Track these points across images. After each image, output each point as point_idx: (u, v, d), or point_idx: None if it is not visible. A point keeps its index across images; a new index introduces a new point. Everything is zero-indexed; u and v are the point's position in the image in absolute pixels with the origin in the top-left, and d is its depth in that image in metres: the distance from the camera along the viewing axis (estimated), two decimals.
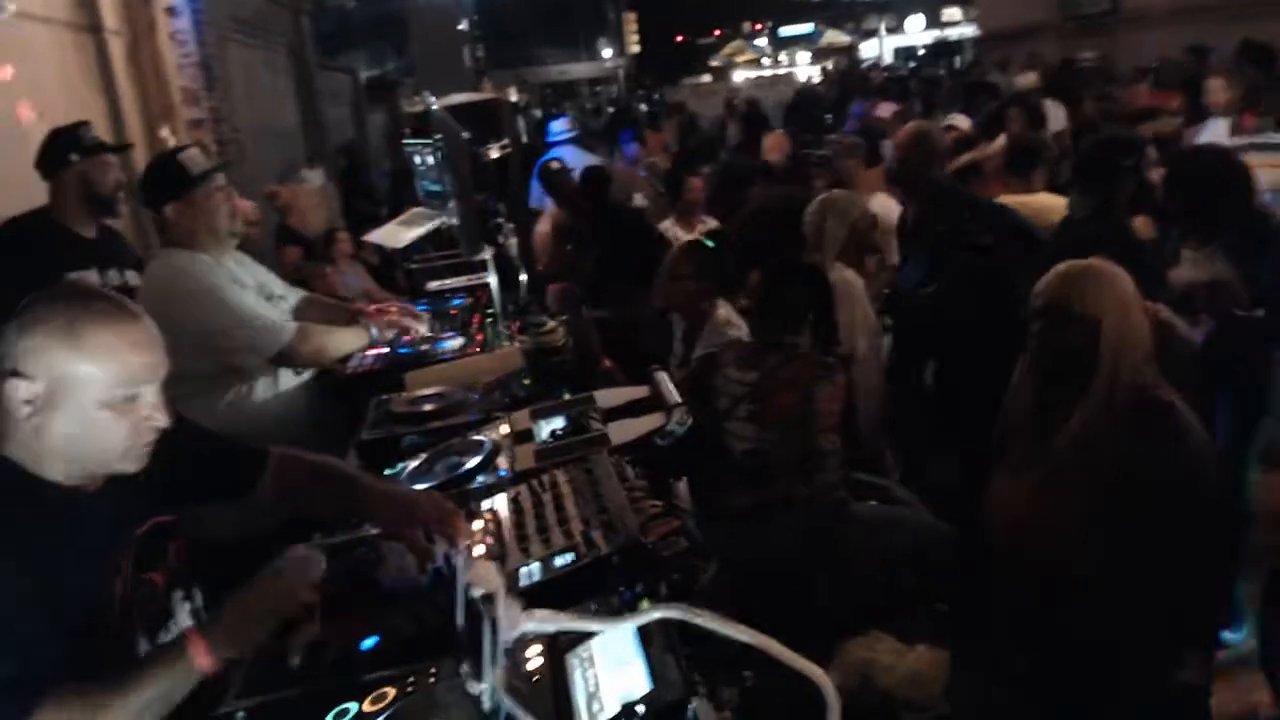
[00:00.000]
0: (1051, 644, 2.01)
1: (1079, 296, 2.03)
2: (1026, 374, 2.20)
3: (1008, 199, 3.72)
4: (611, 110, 15.44)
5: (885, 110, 6.97)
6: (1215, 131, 4.26)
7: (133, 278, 3.00)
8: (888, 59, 24.92)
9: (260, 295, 2.64)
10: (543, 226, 5.61)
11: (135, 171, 4.23)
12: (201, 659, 1.27)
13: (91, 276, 2.98)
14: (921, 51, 24.05)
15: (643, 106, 16.18)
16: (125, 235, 3.43)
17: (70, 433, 1.35)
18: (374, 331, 2.73)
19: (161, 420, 1.41)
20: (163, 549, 1.54)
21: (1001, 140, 4.62)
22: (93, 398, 1.34)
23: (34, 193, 3.03)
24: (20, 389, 1.32)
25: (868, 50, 29.13)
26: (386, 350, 2.80)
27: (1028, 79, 7.18)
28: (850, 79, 14.70)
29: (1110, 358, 1.98)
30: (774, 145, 6.17)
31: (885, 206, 4.07)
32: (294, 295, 2.85)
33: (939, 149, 3.88)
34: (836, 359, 2.69)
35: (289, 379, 2.60)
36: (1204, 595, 1.95)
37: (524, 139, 8.26)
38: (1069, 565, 1.98)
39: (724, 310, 3.19)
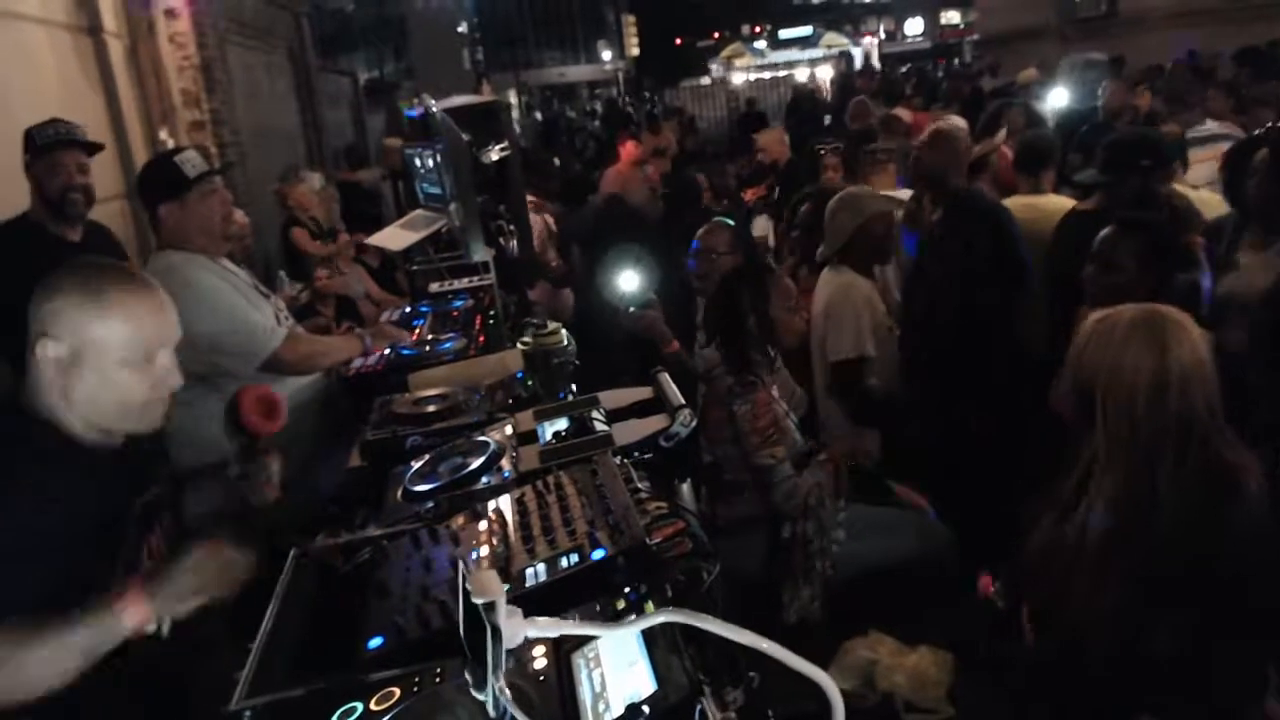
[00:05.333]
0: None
1: (1075, 356, 1.73)
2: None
3: (1017, 200, 3.71)
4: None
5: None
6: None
7: None
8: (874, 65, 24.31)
9: (252, 291, 2.64)
10: (536, 225, 5.61)
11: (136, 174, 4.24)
12: (135, 608, 1.34)
13: None
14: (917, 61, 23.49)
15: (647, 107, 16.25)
16: (114, 233, 3.35)
17: (93, 389, 1.46)
18: (367, 341, 2.74)
19: (176, 380, 1.53)
20: (154, 523, 1.59)
21: (1002, 134, 4.61)
22: (113, 357, 1.46)
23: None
24: (49, 348, 1.44)
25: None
26: (388, 351, 2.80)
27: (1028, 75, 7.19)
28: (849, 81, 14.72)
29: (1113, 439, 1.66)
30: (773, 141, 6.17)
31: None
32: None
33: (962, 150, 3.81)
34: (755, 376, 2.66)
35: (293, 378, 2.60)
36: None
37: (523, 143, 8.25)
38: (1096, 631, 1.74)
39: None
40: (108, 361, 1.45)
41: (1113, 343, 1.68)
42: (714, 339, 2.76)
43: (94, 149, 3.05)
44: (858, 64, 19.27)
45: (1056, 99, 5.89)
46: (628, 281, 3.17)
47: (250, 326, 2.48)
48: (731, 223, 3.30)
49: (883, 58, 25.33)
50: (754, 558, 2.55)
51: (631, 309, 3.11)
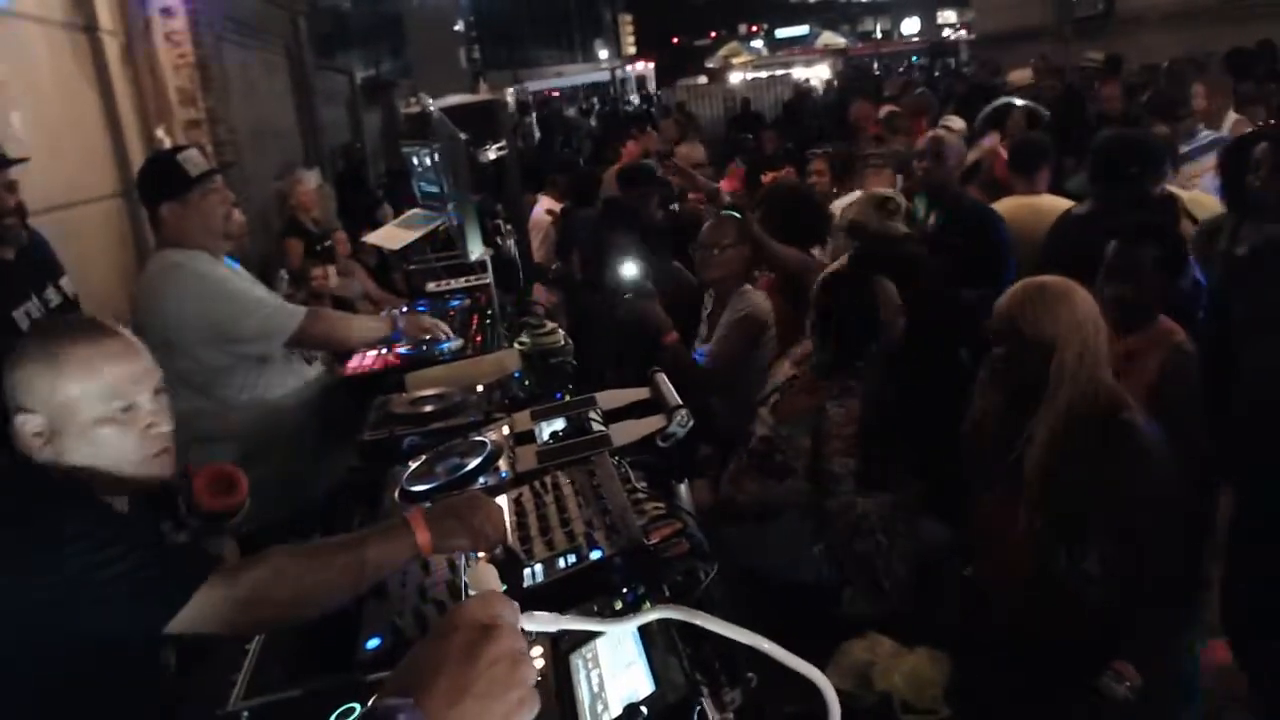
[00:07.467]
0: (1037, 650, 1.99)
1: (1029, 320, 2.02)
2: (988, 392, 2.20)
3: (1014, 201, 3.71)
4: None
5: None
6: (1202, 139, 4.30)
7: (67, 284, 2.68)
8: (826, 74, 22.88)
9: (255, 286, 2.64)
10: (540, 221, 5.60)
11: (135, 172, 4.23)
12: (420, 532, 1.37)
13: (30, 306, 2.53)
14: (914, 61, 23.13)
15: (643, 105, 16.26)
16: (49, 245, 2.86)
17: (83, 455, 1.36)
18: (399, 323, 2.74)
19: (165, 425, 1.43)
20: None
21: (991, 139, 4.61)
22: (89, 416, 1.35)
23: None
24: (29, 423, 1.34)
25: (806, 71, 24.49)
26: (385, 351, 2.80)
27: (1022, 76, 7.20)
28: (851, 81, 14.74)
29: (1064, 382, 1.97)
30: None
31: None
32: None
33: (955, 156, 3.82)
34: (856, 382, 2.57)
35: (298, 377, 2.59)
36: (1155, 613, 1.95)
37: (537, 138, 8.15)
38: (1043, 577, 1.98)
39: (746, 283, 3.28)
40: (85, 422, 1.35)
41: (1055, 305, 2.01)
42: (820, 336, 2.67)
43: (13, 163, 2.65)
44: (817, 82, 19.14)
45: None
46: (627, 270, 3.21)
47: (265, 304, 2.49)
48: (738, 215, 3.31)
49: (880, 58, 25.28)
50: (793, 553, 2.49)
51: (629, 297, 3.15)
